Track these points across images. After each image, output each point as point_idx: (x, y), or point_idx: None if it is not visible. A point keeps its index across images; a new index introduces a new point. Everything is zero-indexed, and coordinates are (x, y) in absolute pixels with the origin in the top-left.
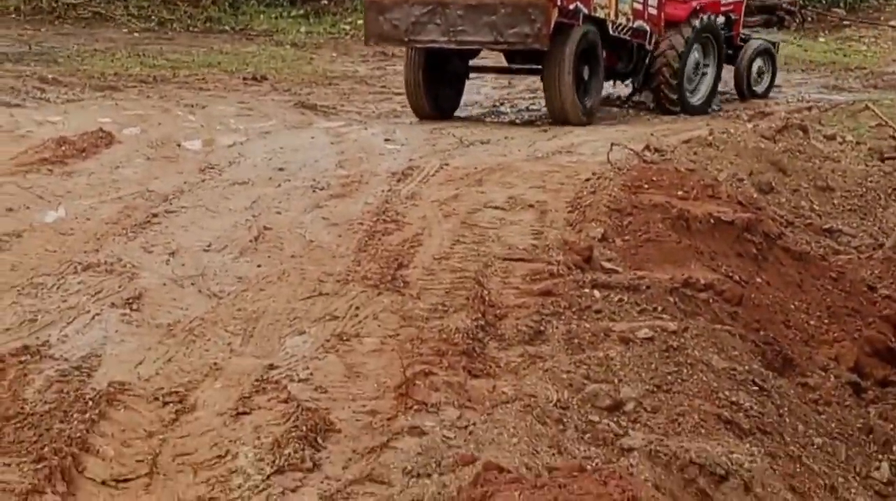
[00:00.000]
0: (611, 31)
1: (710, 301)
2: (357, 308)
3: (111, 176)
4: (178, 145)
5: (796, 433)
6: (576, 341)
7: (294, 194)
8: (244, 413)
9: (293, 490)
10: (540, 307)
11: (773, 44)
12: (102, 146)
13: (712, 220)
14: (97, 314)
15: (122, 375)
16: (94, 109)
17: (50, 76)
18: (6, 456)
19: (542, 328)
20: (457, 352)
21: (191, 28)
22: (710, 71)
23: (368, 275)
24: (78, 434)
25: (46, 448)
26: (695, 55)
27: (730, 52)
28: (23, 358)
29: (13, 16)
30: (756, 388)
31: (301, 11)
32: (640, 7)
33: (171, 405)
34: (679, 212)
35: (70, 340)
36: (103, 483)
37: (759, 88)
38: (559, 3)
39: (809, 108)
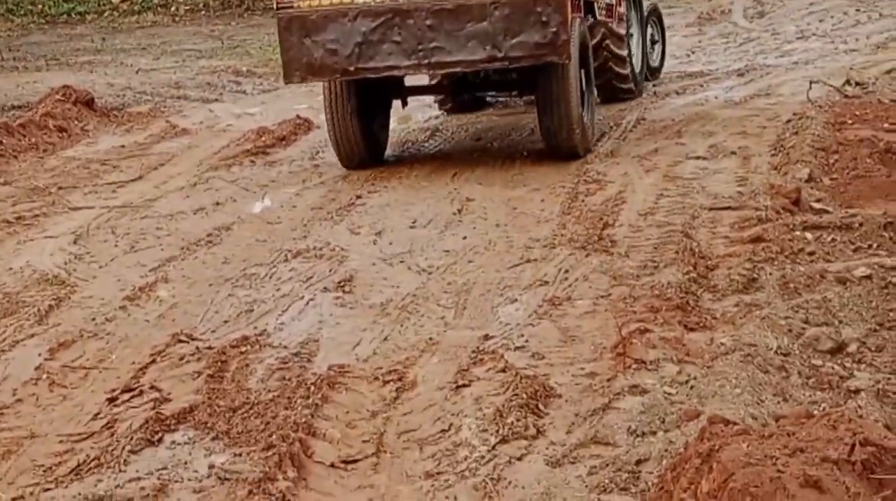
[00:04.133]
0: (597, 15)
1: None
2: (566, 271)
3: (312, 162)
4: None
5: None
6: (791, 285)
7: (494, 165)
8: (464, 385)
9: (519, 459)
10: (751, 254)
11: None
12: (301, 133)
13: None
14: (311, 299)
15: (340, 358)
16: (290, 98)
17: (244, 69)
18: (236, 447)
19: (755, 275)
20: (671, 307)
21: None
22: (635, 34)
23: (575, 237)
24: (303, 420)
25: (274, 436)
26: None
27: None
28: (243, 349)
29: (203, 12)
30: None
31: None
32: None
33: (392, 383)
34: (887, 146)
35: (287, 327)
36: (332, 465)
37: (654, 61)
38: None
39: None
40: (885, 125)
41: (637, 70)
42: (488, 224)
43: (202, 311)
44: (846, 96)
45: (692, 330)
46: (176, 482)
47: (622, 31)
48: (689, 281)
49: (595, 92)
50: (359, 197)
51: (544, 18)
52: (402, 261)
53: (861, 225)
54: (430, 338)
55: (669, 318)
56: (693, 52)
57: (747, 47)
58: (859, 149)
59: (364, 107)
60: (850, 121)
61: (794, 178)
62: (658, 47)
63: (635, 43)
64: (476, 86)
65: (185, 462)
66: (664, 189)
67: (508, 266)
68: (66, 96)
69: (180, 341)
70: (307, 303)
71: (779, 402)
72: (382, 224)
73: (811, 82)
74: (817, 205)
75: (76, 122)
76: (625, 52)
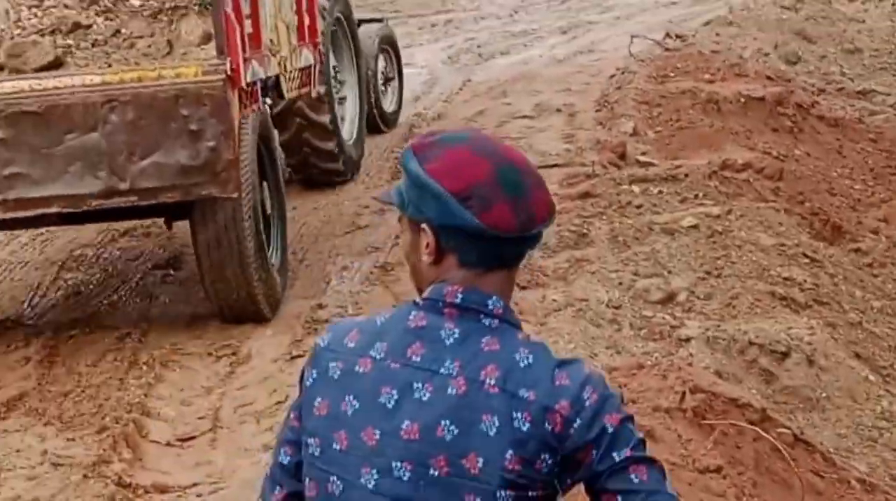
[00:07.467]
0: (285, 92)
1: (751, 180)
2: None
3: None
4: None
5: (854, 299)
6: (620, 239)
7: None
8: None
9: None
10: (581, 210)
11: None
12: None
13: (742, 99)
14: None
15: None
16: None
17: None
18: None
19: (585, 230)
20: None
21: None
22: (350, 94)
23: None
24: None
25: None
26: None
27: None
28: None
29: None
30: (807, 261)
31: None
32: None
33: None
34: (708, 96)
35: None
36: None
37: (388, 105)
38: (237, 71)
39: None
40: (706, 76)
41: (353, 142)
42: None
43: None
44: (667, 49)
45: (524, 288)
46: None
47: (324, 119)
48: None
49: (284, 202)
50: None
51: (194, 126)
52: None
53: (686, 175)
54: None
55: None
56: (516, 12)
57: (569, 4)
58: (682, 101)
59: None
60: (671, 74)
61: (620, 132)
62: (394, 85)
63: (351, 102)
64: (96, 216)
65: None
66: None
67: None
68: None
69: None
70: None
71: (612, 354)
72: None
73: (632, 37)
74: (643, 159)
75: None
76: (332, 145)
